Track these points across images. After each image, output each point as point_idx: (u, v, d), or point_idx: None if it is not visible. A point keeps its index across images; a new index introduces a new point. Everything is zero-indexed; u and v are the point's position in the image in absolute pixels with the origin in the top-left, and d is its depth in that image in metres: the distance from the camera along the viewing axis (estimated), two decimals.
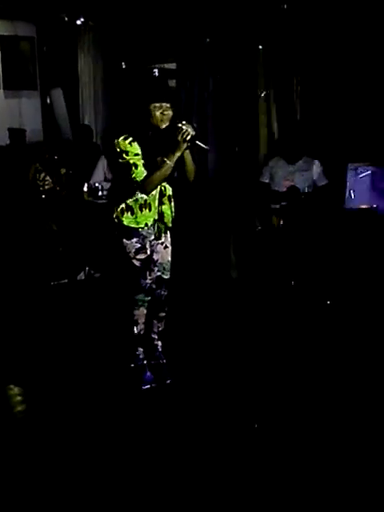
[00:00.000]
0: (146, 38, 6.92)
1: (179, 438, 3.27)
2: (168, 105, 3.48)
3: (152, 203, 3.64)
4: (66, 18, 7.26)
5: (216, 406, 3.57)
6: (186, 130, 3.39)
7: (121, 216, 3.63)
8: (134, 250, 3.67)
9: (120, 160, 3.53)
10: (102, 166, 6.09)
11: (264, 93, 5.77)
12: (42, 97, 8.32)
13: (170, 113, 3.48)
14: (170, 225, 3.76)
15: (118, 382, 3.87)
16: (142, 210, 3.62)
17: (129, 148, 3.48)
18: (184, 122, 3.41)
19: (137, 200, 3.60)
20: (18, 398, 3.77)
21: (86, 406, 3.63)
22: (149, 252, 3.73)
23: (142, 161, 3.48)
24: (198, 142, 3.47)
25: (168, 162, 3.44)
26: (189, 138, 3.40)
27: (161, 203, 3.69)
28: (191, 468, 3.00)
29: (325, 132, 5.53)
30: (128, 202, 3.61)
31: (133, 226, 3.63)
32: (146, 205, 3.62)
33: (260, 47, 5.69)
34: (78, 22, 7.26)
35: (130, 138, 3.48)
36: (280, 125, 5.88)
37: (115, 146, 3.52)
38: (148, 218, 3.65)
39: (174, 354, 4.09)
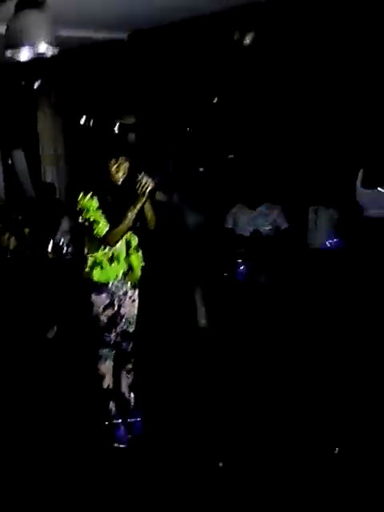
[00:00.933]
0: (102, 95, 7.06)
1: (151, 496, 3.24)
2: (123, 157, 3.53)
3: (120, 255, 3.67)
4: (23, 82, 7.38)
5: (190, 460, 3.54)
6: (146, 182, 3.46)
7: (91, 272, 3.64)
8: (102, 306, 3.68)
9: (81, 218, 3.56)
10: (65, 223, 6.12)
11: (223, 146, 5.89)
12: (3, 158, 8.38)
13: (126, 165, 3.54)
14: (139, 273, 3.77)
15: (91, 441, 3.82)
16: (111, 263, 3.64)
17: (88, 204, 3.52)
18: (143, 174, 3.49)
19: (105, 254, 3.63)
20: None
21: (58, 465, 3.58)
22: (116, 308, 3.74)
23: (103, 215, 3.52)
24: (157, 195, 3.56)
25: (129, 214, 3.49)
26: (148, 190, 3.47)
27: (128, 255, 3.72)
28: None
29: (285, 178, 5.67)
30: (96, 257, 3.63)
31: (103, 280, 3.64)
32: (113, 258, 3.65)
33: (215, 101, 5.82)
34: (35, 85, 7.37)
35: (89, 194, 3.52)
36: (240, 173, 5.99)
37: (77, 205, 3.56)
38: (117, 270, 3.67)
39: (147, 407, 4.06)
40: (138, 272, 3.77)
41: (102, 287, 3.66)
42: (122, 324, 3.82)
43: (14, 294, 5.88)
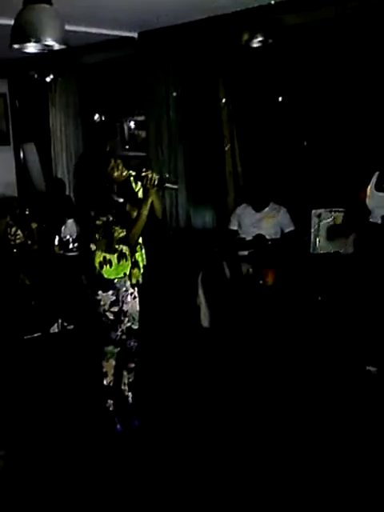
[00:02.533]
0: (115, 92, 7.10)
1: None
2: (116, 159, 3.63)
3: (127, 252, 3.71)
4: (36, 75, 7.42)
5: (186, 460, 3.55)
6: (152, 177, 3.51)
7: (100, 270, 3.67)
8: (108, 303, 3.71)
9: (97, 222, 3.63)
10: (72, 219, 6.15)
11: (228, 145, 5.89)
12: (15, 152, 8.44)
13: (122, 169, 3.64)
14: (142, 271, 3.81)
15: (88, 437, 3.85)
16: (119, 261, 3.68)
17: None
18: (145, 170, 3.58)
19: (114, 251, 3.67)
20: None
21: (59, 460, 3.61)
22: (121, 304, 3.77)
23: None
24: (166, 184, 3.65)
25: (143, 211, 3.55)
26: (156, 182, 3.51)
27: (133, 252, 3.75)
28: None
29: (290, 180, 5.66)
30: (105, 255, 3.67)
31: (112, 277, 3.68)
32: (123, 255, 3.69)
33: (223, 100, 5.83)
34: (48, 79, 7.40)
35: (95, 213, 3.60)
36: (245, 174, 6.00)
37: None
38: (126, 267, 3.72)
39: (145, 406, 4.08)
40: (141, 269, 3.81)
41: (108, 284, 3.70)
42: (125, 321, 3.84)
43: (19, 288, 5.92)
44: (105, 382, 3.87)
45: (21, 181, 8.42)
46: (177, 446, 3.69)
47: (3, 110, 8.31)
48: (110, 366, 3.84)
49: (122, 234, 3.61)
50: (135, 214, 3.60)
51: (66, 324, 5.88)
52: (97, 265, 3.67)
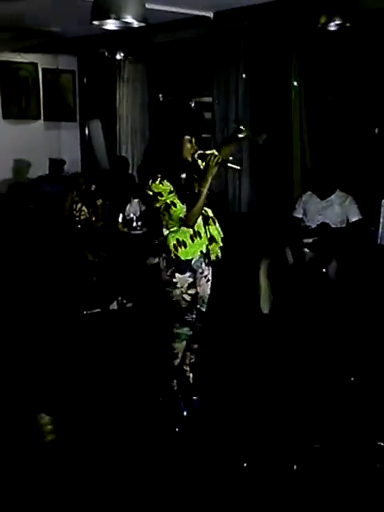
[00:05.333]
0: (183, 72, 7.09)
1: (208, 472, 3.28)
2: (193, 139, 3.57)
3: (200, 230, 3.67)
4: (107, 53, 7.45)
5: (240, 442, 3.56)
6: (216, 155, 3.50)
7: (176, 252, 3.64)
8: (186, 285, 3.67)
9: (156, 203, 3.57)
10: (138, 199, 6.17)
11: (298, 127, 5.82)
12: (81, 128, 8.54)
13: (195, 147, 3.58)
14: (221, 244, 3.75)
15: (149, 413, 3.88)
16: (193, 240, 3.64)
17: (161, 188, 3.51)
18: (212, 150, 3.58)
19: (186, 231, 3.62)
20: (49, 426, 3.80)
21: (116, 435, 3.65)
22: (198, 287, 3.76)
23: (177, 196, 3.53)
24: (229, 164, 3.63)
25: (203, 189, 3.51)
26: (220, 160, 3.49)
27: (206, 224, 3.70)
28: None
29: (359, 167, 5.55)
30: (178, 237, 3.63)
31: (190, 257, 3.65)
32: (195, 234, 3.65)
33: (295, 83, 5.75)
34: (118, 57, 7.42)
35: (159, 178, 3.51)
36: (313, 160, 5.91)
37: (148, 191, 3.57)
38: (201, 245, 3.67)
39: (204, 387, 4.10)
40: (219, 243, 3.75)
41: (185, 266, 3.66)
42: (198, 304, 3.84)
43: (82, 264, 6.00)
44: (175, 363, 3.85)
45: (85, 157, 8.53)
46: (232, 432, 3.69)
47: (71, 86, 8.41)
48: (181, 347, 3.82)
49: (181, 214, 3.55)
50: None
51: (125, 302, 5.93)
52: (171, 248, 3.63)
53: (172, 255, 3.62)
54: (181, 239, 3.62)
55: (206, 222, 3.71)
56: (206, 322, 3.97)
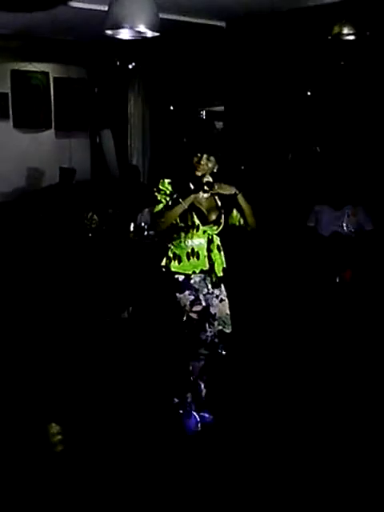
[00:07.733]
0: (194, 81, 7.08)
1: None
2: (206, 156, 3.52)
3: (200, 252, 3.66)
4: (118, 62, 7.46)
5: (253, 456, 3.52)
6: (208, 180, 3.52)
7: (169, 263, 3.65)
8: (188, 303, 3.63)
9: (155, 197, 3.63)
10: (147, 208, 6.16)
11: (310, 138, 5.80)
12: (92, 137, 8.54)
13: (209, 164, 3.53)
14: (221, 274, 3.72)
15: (160, 425, 3.84)
16: (189, 259, 3.64)
17: (163, 187, 3.59)
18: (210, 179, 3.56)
19: (184, 248, 3.64)
20: (59, 436, 3.78)
21: (126, 446, 3.62)
22: (204, 303, 3.69)
23: (170, 200, 3.56)
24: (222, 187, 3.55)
25: (182, 201, 3.49)
26: (206, 181, 3.49)
27: (210, 251, 3.68)
28: None
29: (372, 177, 5.52)
30: (175, 250, 3.66)
31: (181, 271, 3.64)
32: (193, 253, 3.64)
33: (308, 93, 5.73)
34: (129, 66, 7.43)
35: (169, 180, 3.58)
36: (326, 171, 5.88)
37: (155, 193, 3.63)
38: (196, 266, 3.65)
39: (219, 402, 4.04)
40: (218, 271, 3.70)
41: (182, 284, 3.65)
42: (216, 324, 3.76)
43: (93, 272, 5.98)
44: (191, 378, 3.78)
45: (95, 166, 8.53)
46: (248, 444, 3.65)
47: (82, 95, 8.42)
48: (199, 366, 3.75)
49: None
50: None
51: (135, 312, 5.90)
52: (166, 258, 3.67)
53: (162, 263, 3.67)
54: (177, 253, 3.66)
55: (209, 248, 3.68)
56: (231, 345, 3.88)
